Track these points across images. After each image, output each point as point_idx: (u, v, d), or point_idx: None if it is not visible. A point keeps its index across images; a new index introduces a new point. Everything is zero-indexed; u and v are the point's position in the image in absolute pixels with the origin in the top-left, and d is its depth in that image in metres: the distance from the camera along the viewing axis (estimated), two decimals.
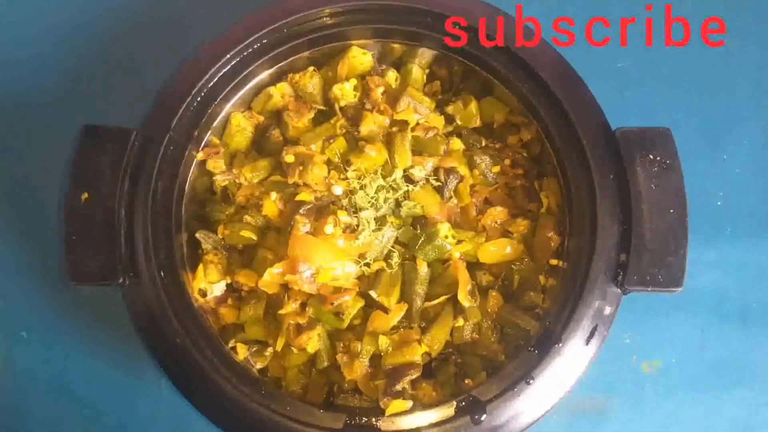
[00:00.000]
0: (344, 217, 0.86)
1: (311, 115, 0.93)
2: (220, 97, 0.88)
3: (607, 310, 0.80)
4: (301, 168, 0.86)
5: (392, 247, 0.88)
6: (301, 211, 0.86)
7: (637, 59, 1.10)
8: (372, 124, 0.90)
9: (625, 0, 1.12)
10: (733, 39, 1.11)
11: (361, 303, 0.85)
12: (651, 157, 0.82)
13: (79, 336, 1.02)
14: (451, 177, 0.90)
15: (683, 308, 1.03)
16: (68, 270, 0.81)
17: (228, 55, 0.87)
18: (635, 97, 1.09)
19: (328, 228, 0.85)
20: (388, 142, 0.90)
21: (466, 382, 0.84)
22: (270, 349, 0.86)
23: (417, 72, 0.95)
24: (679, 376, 1.02)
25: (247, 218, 0.89)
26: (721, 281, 1.04)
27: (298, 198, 0.87)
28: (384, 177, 0.89)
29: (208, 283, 0.88)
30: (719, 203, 1.06)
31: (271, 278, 0.84)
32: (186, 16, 1.10)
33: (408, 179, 0.90)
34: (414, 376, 0.81)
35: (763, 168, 1.08)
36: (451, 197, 0.90)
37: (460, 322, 0.86)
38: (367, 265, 0.87)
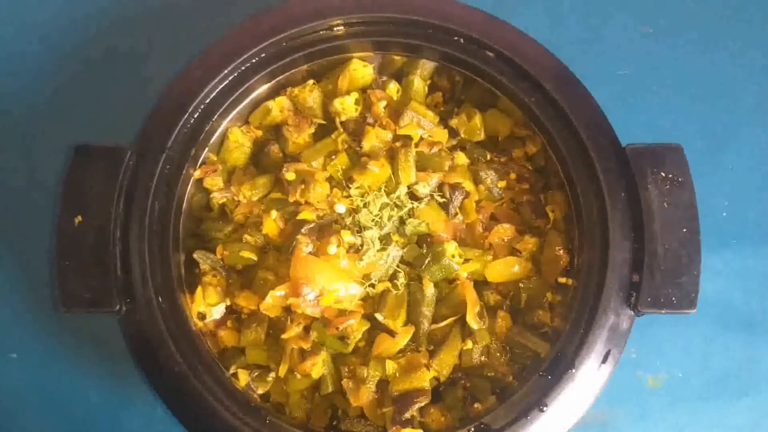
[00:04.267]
0: (348, 237, 0.84)
1: (311, 129, 0.90)
2: (218, 113, 0.85)
3: (621, 333, 0.79)
4: (302, 186, 0.84)
5: (397, 266, 0.86)
6: (303, 230, 0.83)
7: (640, 66, 1.08)
8: (374, 139, 0.88)
9: (627, 6, 1.10)
10: (737, 46, 1.09)
11: (366, 326, 0.83)
12: (663, 174, 0.81)
13: (70, 356, 0.99)
14: (457, 193, 0.88)
15: (688, 318, 1.00)
16: (61, 298, 0.78)
17: (225, 70, 0.84)
18: (638, 105, 1.07)
19: (332, 248, 0.82)
20: (392, 157, 0.88)
21: (475, 406, 0.82)
22: (272, 374, 0.84)
23: (419, 84, 0.92)
24: (684, 387, 1.00)
25: (247, 237, 0.87)
26: (726, 291, 1.03)
27: (299, 217, 0.84)
28: (388, 194, 0.87)
29: (207, 306, 0.86)
30: (724, 213, 1.05)
31: (273, 301, 0.81)
32: (182, 11, 1.07)
33: (412, 196, 0.88)
34: (423, 404, 0.79)
35: None
36: (456, 214, 0.88)
37: (469, 344, 0.84)
38: (372, 286, 0.84)
